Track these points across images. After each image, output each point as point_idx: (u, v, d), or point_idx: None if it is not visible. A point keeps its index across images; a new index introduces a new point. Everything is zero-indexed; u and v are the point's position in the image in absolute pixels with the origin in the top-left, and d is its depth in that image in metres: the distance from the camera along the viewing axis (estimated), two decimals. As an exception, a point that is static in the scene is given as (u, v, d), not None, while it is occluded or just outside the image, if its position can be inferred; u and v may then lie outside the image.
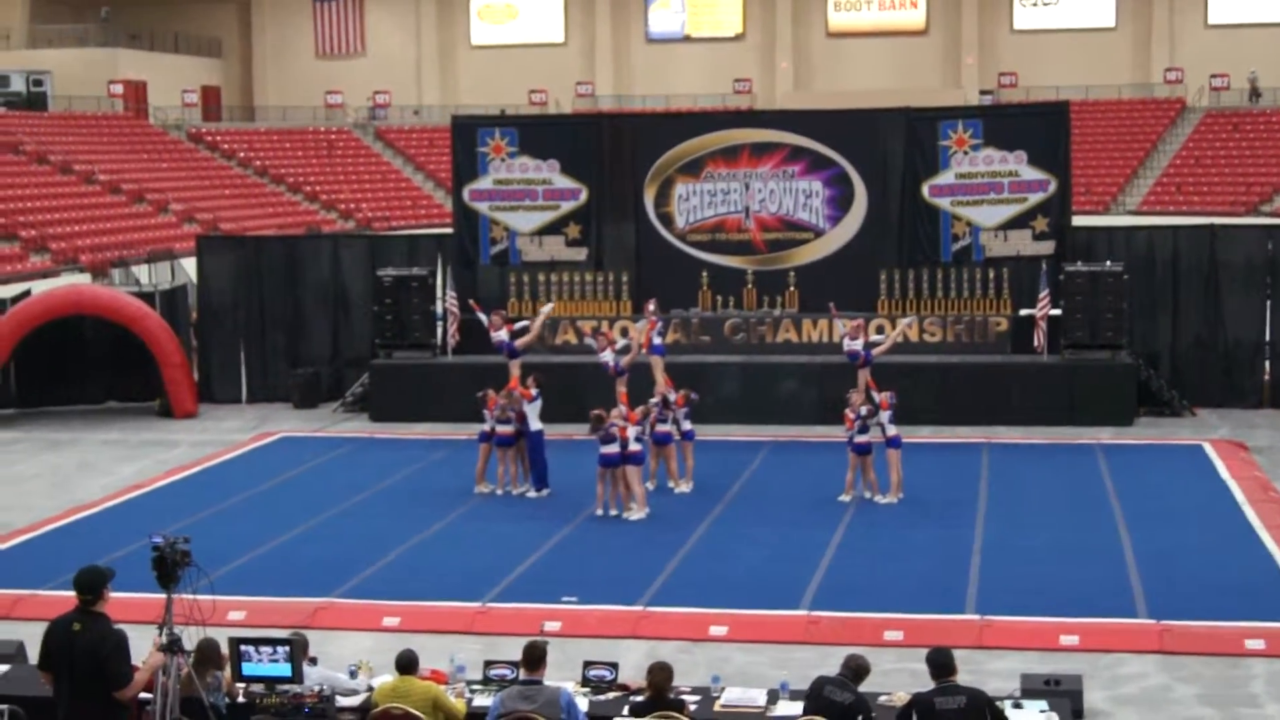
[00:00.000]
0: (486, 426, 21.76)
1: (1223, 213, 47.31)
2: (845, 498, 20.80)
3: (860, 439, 20.61)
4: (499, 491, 21.71)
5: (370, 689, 11.72)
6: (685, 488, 21.70)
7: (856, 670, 11.02)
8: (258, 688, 11.28)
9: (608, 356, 22.50)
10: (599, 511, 20.29)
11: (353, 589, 17.13)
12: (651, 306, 24.19)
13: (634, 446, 20.24)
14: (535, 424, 21.50)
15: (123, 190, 51.56)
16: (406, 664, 11.32)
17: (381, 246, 31.09)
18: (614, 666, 12.21)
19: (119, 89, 61.68)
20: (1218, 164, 57.60)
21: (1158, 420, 26.55)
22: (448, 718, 11.23)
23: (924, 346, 27.47)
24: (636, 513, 20.18)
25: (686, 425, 21.93)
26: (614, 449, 20.05)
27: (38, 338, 28.43)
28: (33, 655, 11.50)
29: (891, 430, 20.65)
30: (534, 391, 21.49)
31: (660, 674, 10.93)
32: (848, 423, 20.66)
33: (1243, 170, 56.34)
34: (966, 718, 10.29)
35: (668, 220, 29.35)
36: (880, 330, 26.04)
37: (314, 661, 12.11)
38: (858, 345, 22.53)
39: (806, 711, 10.83)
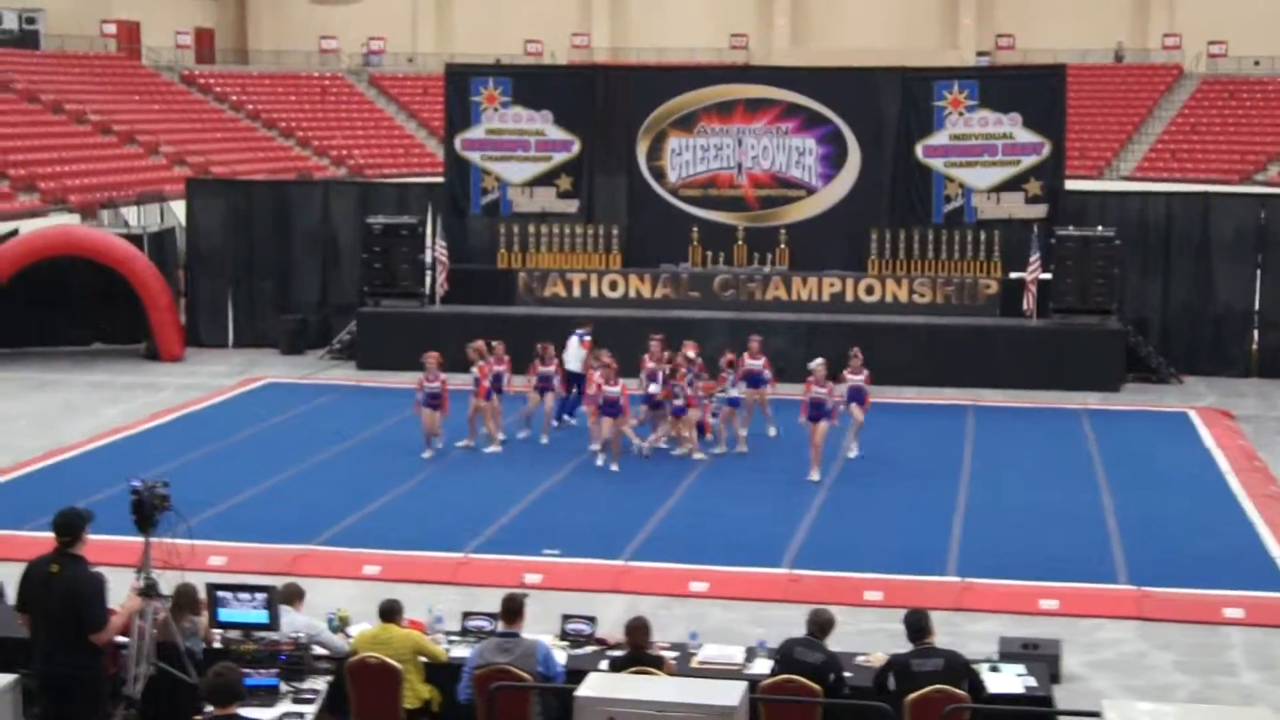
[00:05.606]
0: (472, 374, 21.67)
1: (1216, 180, 47.17)
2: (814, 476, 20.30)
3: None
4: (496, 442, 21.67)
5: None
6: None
7: (822, 625, 10.96)
8: (234, 634, 11.25)
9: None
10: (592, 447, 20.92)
11: (334, 537, 17.13)
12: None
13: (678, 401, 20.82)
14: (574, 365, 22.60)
15: (113, 131, 51.26)
16: (388, 611, 11.30)
17: (372, 194, 30.98)
18: (592, 620, 12.20)
19: (112, 29, 61.22)
20: (1213, 131, 57.43)
21: (1145, 386, 26.55)
22: (431, 662, 11.23)
23: (913, 307, 27.43)
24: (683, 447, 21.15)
25: (734, 392, 21.60)
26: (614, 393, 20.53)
27: (25, 278, 28.27)
28: (10, 596, 11.47)
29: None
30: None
31: (636, 634, 10.83)
32: (806, 387, 20.23)
33: (1238, 138, 56.17)
34: (943, 680, 10.30)
35: (660, 174, 29.24)
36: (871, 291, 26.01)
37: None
38: (824, 393, 20.23)
39: (775, 674, 10.76)
